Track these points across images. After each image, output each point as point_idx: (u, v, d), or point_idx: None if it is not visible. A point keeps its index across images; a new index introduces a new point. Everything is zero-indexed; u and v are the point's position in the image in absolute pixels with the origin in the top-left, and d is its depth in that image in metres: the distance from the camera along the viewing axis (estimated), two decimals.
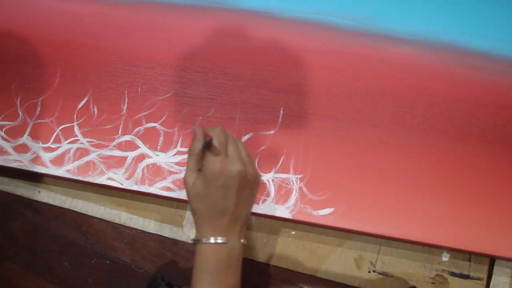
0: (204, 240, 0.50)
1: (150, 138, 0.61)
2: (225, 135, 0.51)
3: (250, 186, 0.51)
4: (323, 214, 0.59)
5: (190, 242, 0.50)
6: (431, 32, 0.64)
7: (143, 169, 0.60)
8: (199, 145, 0.50)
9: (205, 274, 0.49)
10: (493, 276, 0.61)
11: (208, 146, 0.50)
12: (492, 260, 0.62)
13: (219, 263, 0.50)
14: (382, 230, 0.58)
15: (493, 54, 0.64)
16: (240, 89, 0.62)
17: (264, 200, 0.59)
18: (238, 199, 0.50)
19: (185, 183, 0.51)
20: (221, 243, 0.50)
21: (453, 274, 0.61)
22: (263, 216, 0.60)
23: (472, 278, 0.61)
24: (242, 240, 0.51)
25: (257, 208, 0.59)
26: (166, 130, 0.61)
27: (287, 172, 0.60)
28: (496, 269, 0.61)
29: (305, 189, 0.59)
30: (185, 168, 0.51)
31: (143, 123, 0.61)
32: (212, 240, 0.49)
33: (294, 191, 0.59)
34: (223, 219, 0.50)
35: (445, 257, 0.62)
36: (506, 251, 0.58)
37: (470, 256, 0.62)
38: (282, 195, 0.59)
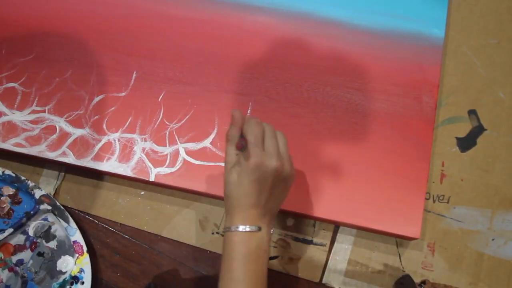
0: (234, 228, 0.49)
1: (8, 97, 0.64)
2: (261, 128, 0.50)
3: (284, 183, 0.51)
4: (163, 173, 0.60)
5: (222, 233, 0.51)
6: (292, 2, 0.65)
7: None
8: (236, 132, 0.50)
9: (235, 263, 0.48)
10: (336, 243, 0.62)
11: (242, 147, 0.50)
12: (336, 227, 0.62)
13: (249, 252, 0.49)
14: (221, 192, 0.59)
15: (350, 24, 0.65)
16: (98, 53, 0.64)
17: (109, 159, 0.61)
18: (271, 194, 0.50)
19: (225, 166, 0.51)
20: (252, 231, 0.49)
21: (296, 239, 0.62)
22: (107, 174, 0.62)
23: (315, 244, 0.62)
24: (272, 231, 0.52)
25: (101, 166, 0.61)
26: (24, 90, 0.64)
27: (133, 132, 0.62)
28: (339, 236, 0.62)
29: (148, 149, 0.61)
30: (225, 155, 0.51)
31: (4, 83, 0.64)
32: (242, 229, 0.49)
33: (138, 150, 0.61)
34: (254, 211, 0.49)
35: (290, 222, 0.62)
36: (350, 217, 0.59)
37: (314, 222, 0.62)
38: (126, 154, 0.61)
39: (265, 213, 0.50)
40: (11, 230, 0.60)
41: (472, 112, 0.65)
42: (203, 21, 0.65)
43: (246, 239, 0.49)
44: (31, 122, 0.62)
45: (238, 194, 0.49)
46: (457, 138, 0.64)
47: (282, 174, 0.50)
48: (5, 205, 0.62)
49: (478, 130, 0.64)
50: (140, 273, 0.62)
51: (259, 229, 0.49)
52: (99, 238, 0.63)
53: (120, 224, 0.63)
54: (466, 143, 0.64)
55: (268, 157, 0.49)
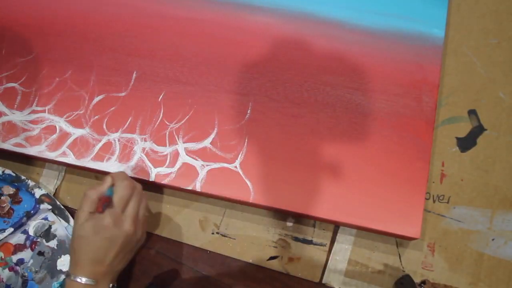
0: (74, 277, 0.51)
1: (8, 97, 0.64)
2: (131, 191, 0.53)
3: (133, 246, 0.54)
4: (163, 173, 0.60)
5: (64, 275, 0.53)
6: (292, 2, 0.65)
7: None
8: (100, 191, 0.53)
9: None
10: (336, 243, 0.62)
11: (108, 200, 0.52)
12: (336, 227, 0.62)
13: None
14: (222, 192, 0.59)
15: (350, 24, 0.65)
16: (98, 53, 0.65)
17: (109, 159, 0.61)
18: (118, 254, 0.52)
19: (75, 220, 0.53)
20: (89, 284, 0.51)
21: (296, 239, 0.62)
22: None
23: (315, 244, 0.62)
24: (111, 285, 0.53)
25: (101, 166, 0.61)
26: (24, 90, 0.64)
27: (133, 132, 0.62)
28: (339, 236, 0.62)
29: (148, 149, 0.61)
30: (80, 204, 0.53)
31: (4, 83, 0.64)
32: (82, 280, 0.51)
33: (138, 150, 0.61)
34: (98, 267, 0.51)
35: (290, 223, 0.62)
36: (350, 217, 0.59)
37: (314, 222, 0.62)
38: (126, 154, 0.61)
39: (108, 271, 0.52)
40: (11, 229, 0.60)
41: (472, 112, 0.65)
42: (203, 21, 0.65)
43: None
44: (31, 122, 0.62)
45: (86, 249, 0.51)
46: (457, 138, 0.64)
47: (132, 238, 0.53)
48: (5, 204, 0.62)
49: (478, 130, 0.64)
50: (140, 273, 0.62)
51: (97, 283, 0.51)
52: None
53: None
54: (466, 143, 0.64)
55: (125, 219, 0.52)
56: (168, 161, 0.60)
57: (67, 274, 0.52)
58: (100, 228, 0.51)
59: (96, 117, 0.62)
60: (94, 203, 0.52)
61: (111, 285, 0.53)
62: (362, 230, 0.61)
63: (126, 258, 0.54)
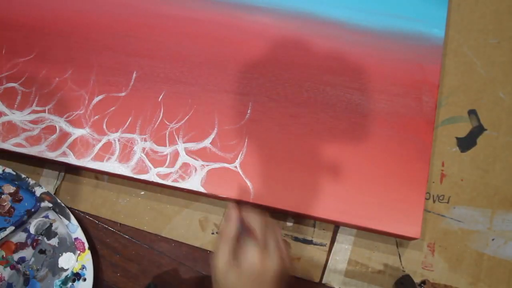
0: None
1: (8, 97, 0.64)
2: (265, 223, 0.48)
3: (283, 279, 0.48)
4: (163, 173, 0.60)
5: None
6: (292, 2, 0.65)
7: None
8: (233, 229, 0.48)
9: None
10: (336, 243, 0.62)
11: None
12: (336, 227, 0.62)
13: None
14: (222, 192, 0.59)
15: (349, 24, 0.65)
16: (98, 53, 0.64)
17: (109, 159, 0.61)
18: None
19: (216, 268, 0.48)
20: None
21: (296, 239, 0.62)
22: (107, 174, 0.62)
23: (315, 244, 0.62)
24: None
25: (101, 166, 0.60)
26: (24, 90, 0.64)
27: (133, 132, 0.62)
28: (339, 236, 0.62)
29: (148, 149, 0.61)
30: (215, 249, 0.49)
31: (4, 83, 0.64)
32: None
33: (138, 150, 0.61)
34: None
35: (290, 222, 0.62)
36: (350, 217, 0.59)
37: (314, 222, 0.62)
38: (126, 154, 0.61)
39: None
40: (12, 228, 0.60)
41: (472, 112, 0.65)
42: (203, 21, 0.65)
43: None
44: (31, 122, 0.62)
45: None
46: (457, 138, 0.64)
47: (282, 274, 0.48)
48: (6, 203, 0.62)
49: (478, 130, 0.64)
50: (140, 273, 0.62)
51: None
52: (99, 238, 0.63)
53: (120, 224, 0.63)
54: (466, 143, 0.64)
55: (270, 257, 0.47)
56: (168, 161, 0.60)
57: None
58: (247, 273, 0.46)
59: (96, 117, 0.62)
60: (235, 244, 0.48)
61: None
62: (362, 230, 0.61)
63: None
